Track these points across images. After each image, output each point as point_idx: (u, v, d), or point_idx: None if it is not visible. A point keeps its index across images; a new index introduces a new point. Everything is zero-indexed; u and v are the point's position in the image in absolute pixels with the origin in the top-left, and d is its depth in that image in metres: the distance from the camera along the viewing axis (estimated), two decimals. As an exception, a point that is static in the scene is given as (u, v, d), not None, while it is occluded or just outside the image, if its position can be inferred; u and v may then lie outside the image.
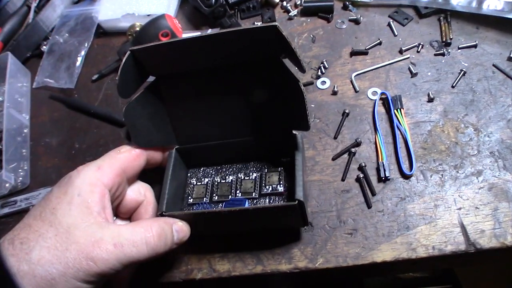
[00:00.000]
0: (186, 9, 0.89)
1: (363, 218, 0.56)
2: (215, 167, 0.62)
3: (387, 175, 0.58)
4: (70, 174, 0.48)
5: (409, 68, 0.68)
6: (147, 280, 0.58)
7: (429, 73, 0.67)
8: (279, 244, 0.56)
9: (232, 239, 0.58)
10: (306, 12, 0.81)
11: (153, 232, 0.46)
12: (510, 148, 0.58)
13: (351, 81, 0.69)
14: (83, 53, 0.86)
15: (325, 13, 0.79)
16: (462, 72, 0.66)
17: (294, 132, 0.55)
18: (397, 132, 0.62)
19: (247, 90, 0.55)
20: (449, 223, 0.54)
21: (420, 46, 0.70)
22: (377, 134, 0.62)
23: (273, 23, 0.45)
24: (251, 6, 0.84)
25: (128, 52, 0.50)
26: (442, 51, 0.69)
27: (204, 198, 0.58)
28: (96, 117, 0.77)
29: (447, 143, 0.60)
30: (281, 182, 0.57)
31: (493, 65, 0.66)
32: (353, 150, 0.62)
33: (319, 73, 0.72)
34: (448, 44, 0.70)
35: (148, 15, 0.83)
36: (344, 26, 0.77)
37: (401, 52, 0.71)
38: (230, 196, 0.58)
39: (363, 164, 0.60)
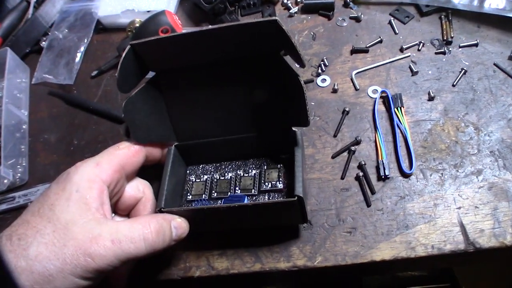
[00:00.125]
0: (186, 5, 0.88)
1: (362, 217, 0.56)
2: (214, 164, 0.62)
3: (386, 174, 0.58)
4: (68, 170, 0.48)
5: (409, 67, 0.68)
6: (145, 277, 0.57)
7: (429, 72, 0.67)
8: (278, 242, 0.56)
9: (231, 237, 0.58)
10: (306, 9, 0.81)
11: (151, 229, 0.46)
12: (510, 147, 0.58)
13: (352, 79, 0.69)
14: (82, 49, 0.85)
15: (326, 10, 0.79)
16: (463, 71, 0.65)
17: (293, 128, 0.55)
18: (397, 130, 0.62)
19: (247, 86, 0.55)
20: (449, 222, 0.54)
21: (421, 44, 0.70)
22: (377, 133, 0.62)
23: (274, 18, 0.45)
24: (251, 3, 0.84)
25: (128, 46, 0.50)
26: (443, 50, 0.69)
27: (203, 195, 0.58)
28: (95, 114, 0.77)
29: (447, 142, 0.60)
30: (281, 179, 0.57)
31: (494, 64, 0.66)
32: (353, 148, 0.61)
33: (319, 70, 0.71)
34: (449, 43, 0.70)
35: (148, 11, 0.83)
36: (344, 24, 0.77)
37: (401, 50, 0.71)
38: (229, 193, 0.57)
39: (363, 163, 0.60)
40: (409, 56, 0.70)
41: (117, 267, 0.44)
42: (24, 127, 0.78)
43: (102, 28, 0.90)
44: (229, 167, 0.61)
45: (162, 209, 0.51)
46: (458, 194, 0.56)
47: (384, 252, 0.53)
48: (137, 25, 0.81)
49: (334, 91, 0.68)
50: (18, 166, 0.73)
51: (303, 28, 0.79)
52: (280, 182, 0.56)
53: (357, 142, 0.62)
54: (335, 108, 0.67)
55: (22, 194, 0.70)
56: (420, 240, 0.53)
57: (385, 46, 0.72)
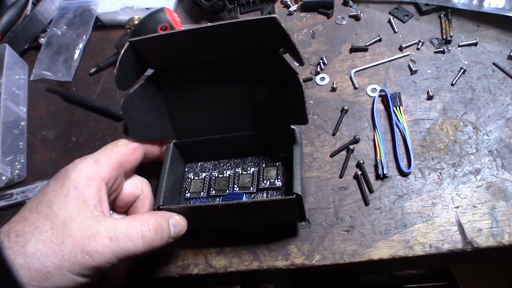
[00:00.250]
0: (185, 3, 0.88)
1: (360, 215, 0.56)
2: (212, 162, 0.62)
3: (385, 173, 0.58)
4: (66, 167, 0.48)
5: (408, 66, 0.68)
6: (143, 274, 0.57)
7: (428, 71, 0.67)
8: (276, 240, 0.56)
9: (229, 235, 0.58)
10: (306, 7, 0.81)
11: (149, 226, 0.46)
12: (508, 147, 0.58)
13: (351, 78, 0.69)
14: (81, 46, 0.85)
15: (325, 8, 0.79)
16: (462, 70, 0.65)
17: (292, 126, 0.55)
18: (396, 129, 0.62)
19: (246, 83, 0.55)
20: (447, 222, 0.54)
21: (420, 43, 0.70)
22: (376, 131, 0.62)
23: (273, 15, 0.45)
24: (250, 0, 0.84)
25: (127, 43, 0.50)
26: (442, 49, 0.69)
27: (202, 193, 0.58)
28: (94, 111, 0.77)
29: (446, 141, 0.60)
30: (279, 177, 0.57)
31: (493, 64, 0.66)
32: (351, 147, 0.61)
33: (318, 69, 0.71)
34: (448, 42, 0.70)
35: (147, 9, 0.83)
36: (344, 22, 0.77)
37: (401, 49, 0.71)
38: (227, 191, 0.57)
39: (361, 161, 0.60)
40: (408, 55, 0.70)
41: (115, 264, 0.44)
42: (22, 123, 0.78)
43: (101, 25, 0.90)
44: (228, 165, 0.61)
45: (160, 207, 0.51)
46: (456, 193, 0.56)
47: (382, 251, 0.53)
48: (136, 22, 0.80)
49: (333, 89, 0.68)
50: (16, 163, 0.73)
51: (302, 26, 0.78)
52: (279, 180, 0.56)
53: (355, 141, 0.62)
54: (334, 107, 0.67)
55: (20, 191, 0.70)
56: (418, 239, 0.53)
57: (384, 45, 0.72)
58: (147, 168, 0.57)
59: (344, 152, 0.62)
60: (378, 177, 0.59)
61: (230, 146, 0.60)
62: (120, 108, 0.52)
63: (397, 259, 0.53)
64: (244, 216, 0.54)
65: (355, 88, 0.68)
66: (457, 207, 0.54)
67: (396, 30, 0.73)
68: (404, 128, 0.61)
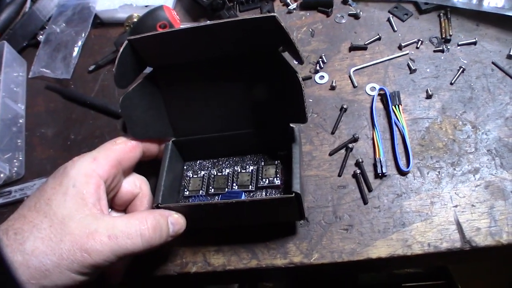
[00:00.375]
0: (185, 0, 0.88)
1: (359, 214, 0.56)
2: (211, 160, 0.62)
3: (384, 171, 0.58)
4: (65, 165, 0.48)
5: (408, 64, 0.68)
6: (142, 272, 0.57)
7: (428, 70, 0.67)
8: (275, 239, 0.56)
9: (228, 233, 0.58)
10: (305, 5, 0.81)
11: (148, 225, 0.46)
12: (507, 146, 0.58)
13: (350, 76, 0.69)
14: (80, 43, 0.85)
15: (325, 7, 0.79)
16: (461, 69, 0.65)
17: (291, 125, 0.55)
18: (395, 128, 0.62)
19: (245, 82, 0.55)
20: (445, 221, 0.54)
21: (420, 42, 0.70)
22: (375, 130, 0.62)
23: (272, 14, 0.45)
24: (250, -2, 0.84)
25: (126, 42, 0.50)
26: (441, 48, 0.69)
27: (200, 191, 0.58)
28: (92, 108, 0.77)
29: (445, 140, 0.60)
30: (278, 175, 0.57)
31: (492, 63, 0.66)
32: (350, 145, 0.61)
33: (318, 67, 0.71)
34: (447, 41, 0.70)
35: (146, 6, 0.83)
36: (343, 21, 0.77)
37: (400, 48, 0.71)
38: (226, 189, 0.57)
39: (360, 160, 0.60)
40: (407, 53, 0.70)
41: (114, 262, 0.44)
42: (20, 121, 0.78)
43: (99, 23, 0.89)
44: (227, 163, 0.61)
45: (159, 205, 0.51)
46: (455, 193, 0.56)
47: (380, 249, 0.53)
48: (135, 20, 0.80)
49: (332, 88, 0.68)
50: (15, 160, 0.72)
51: (302, 24, 0.78)
52: (278, 178, 0.56)
53: (354, 140, 0.62)
54: (333, 105, 0.67)
55: (18, 188, 0.69)
56: (416, 238, 0.53)
57: (383, 44, 0.72)
58: (145, 166, 0.57)
59: (343, 151, 0.62)
60: (377, 176, 0.59)
61: (229, 144, 0.60)
62: (118, 106, 0.52)
63: (396, 258, 0.53)
64: (243, 215, 0.54)
65: (354, 86, 0.68)
66: (456, 206, 0.55)
67: (396, 29, 0.73)
68: (403, 127, 0.61)
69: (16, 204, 0.68)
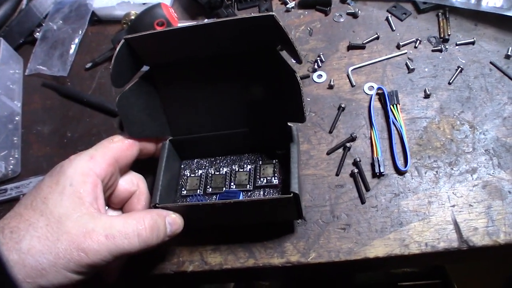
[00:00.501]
0: (182, -2, 0.88)
1: (356, 214, 0.56)
2: (209, 159, 0.62)
3: (381, 171, 0.58)
4: (62, 163, 0.48)
5: (406, 64, 0.68)
6: (138, 271, 0.57)
7: (426, 69, 0.67)
8: (272, 238, 0.56)
9: (225, 232, 0.57)
10: (303, 4, 0.80)
11: (145, 225, 0.46)
12: (505, 146, 0.58)
13: (348, 75, 0.69)
14: (77, 40, 0.84)
15: (323, 6, 0.78)
16: (459, 68, 0.65)
17: (289, 124, 0.55)
18: (393, 127, 0.61)
19: (243, 81, 0.55)
20: (443, 220, 0.54)
21: (418, 41, 0.70)
22: (373, 129, 0.62)
23: (270, 13, 0.45)
24: (248, -3, 0.83)
25: (122, 41, 0.50)
26: (439, 47, 0.69)
27: (198, 190, 0.58)
28: (89, 106, 0.77)
29: (443, 140, 0.60)
30: (276, 175, 0.56)
31: (490, 63, 0.66)
32: (348, 145, 0.61)
33: (316, 66, 0.71)
34: (445, 40, 0.70)
35: (144, 4, 0.82)
36: (341, 20, 0.77)
37: (398, 47, 0.71)
38: (224, 188, 0.57)
39: (358, 159, 0.60)
40: (405, 53, 0.70)
41: (110, 262, 0.43)
42: (17, 118, 0.78)
43: (97, 20, 0.89)
44: (224, 161, 0.61)
45: (157, 205, 0.50)
46: (453, 192, 0.56)
47: (377, 249, 0.53)
48: (133, 17, 0.80)
49: (330, 87, 0.68)
50: (11, 158, 0.72)
51: (300, 23, 0.78)
52: (275, 177, 0.56)
53: (352, 139, 0.62)
54: (331, 104, 0.67)
55: (14, 186, 0.69)
56: (414, 238, 0.53)
57: (381, 43, 0.72)
58: (142, 164, 0.57)
59: (340, 150, 0.62)
60: (374, 175, 0.59)
61: (227, 143, 0.59)
62: (115, 104, 0.51)
63: (393, 257, 0.53)
64: (241, 215, 0.54)
65: (352, 85, 0.68)
66: (453, 205, 0.55)
67: (394, 28, 0.73)
68: (401, 126, 0.61)
69: (12, 202, 0.68)
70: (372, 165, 0.59)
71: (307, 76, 0.70)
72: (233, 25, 0.48)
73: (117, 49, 0.49)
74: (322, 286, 1.09)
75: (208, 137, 0.59)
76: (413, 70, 0.67)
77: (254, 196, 0.56)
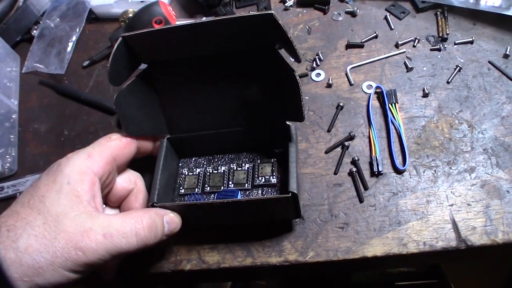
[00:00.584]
0: (181, -4, 0.88)
1: (354, 212, 0.56)
2: (207, 157, 0.61)
3: (380, 170, 0.58)
4: (59, 161, 0.47)
5: (404, 63, 0.68)
6: (136, 270, 0.57)
7: (424, 68, 0.67)
8: (270, 237, 0.56)
9: (222, 231, 0.57)
10: (302, 3, 0.80)
11: (143, 224, 0.45)
12: (503, 145, 0.58)
13: (346, 74, 0.69)
14: (74, 38, 0.84)
15: (322, 4, 0.78)
16: (458, 68, 0.65)
17: (288, 123, 0.55)
18: (391, 126, 0.61)
19: (241, 79, 0.55)
20: (441, 219, 0.54)
21: (416, 40, 0.70)
22: (371, 128, 0.62)
23: (269, 11, 0.44)
24: (246, -5, 0.83)
25: (120, 39, 0.49)
26: (438, 46, 0.69)
27: (196, 189, 0.58)
28: (86, 104, 0.76)
29: (441, 139, 0.60)
30: (274, 174, 0.56)
31: (489, 62, 0.66)
32: (346, 143, 0.61)
33: (314, 65, 0.71)
34: (444, 40, 0.69)
35: (142, 1, 0.82)
36: (340, 18, 0.77)
37: (397, 46, 0.70)
38: (222, 187, 0.57)
39: (356, 158, 0.59)
40: (404, 52, 0.70)
41: (108, 261, 0.43)
42: (13, 116, 0.77)
43: (94, 18, 0.89)
44: (222, 160, 0.61)
45: (154, 204, 0.50)
46: (451, 191, 0.56)
47: (376, 248, 0.53)
48: (130, 15, 0.80)
49: (329, 85, 0.68)
50: (7, 156, 0.72)
51: (298, 21, 0.78)
52: (274, 176, 0.56)
53: (350, 138, 0.62)
54: (329, 103, 0.66)
55: (11, 184, 0.69)
56: (412, 237, 0.53)
57: (380, 42, 0.72)
58: (140, 162, 0.57)
59: (339, 149, 0.62)
60: (373, 174, 0.59)
61: (225, 141, 0.59)
62: (113, 102, 0.51)
63: (391, 256, 0.53)
64: (239, 214, 0.54)
65: (350, 84, 0.68)
66: (452, 205, 0.55)
67: (393, 27, 0.73)
68: (399, 125, 0.61)
69: (8, 200, 0.68)
70: (371, 164, 0.59)
71: (306, 75, 0.70)
72: (232, 23, 0.47)
73: (115, 47, 0.49)
74: (320, 285, 1.09)
75: (206, 136, 0.59)
76: (411, 69, 0.67)
77: (252, 195, 0.56)
